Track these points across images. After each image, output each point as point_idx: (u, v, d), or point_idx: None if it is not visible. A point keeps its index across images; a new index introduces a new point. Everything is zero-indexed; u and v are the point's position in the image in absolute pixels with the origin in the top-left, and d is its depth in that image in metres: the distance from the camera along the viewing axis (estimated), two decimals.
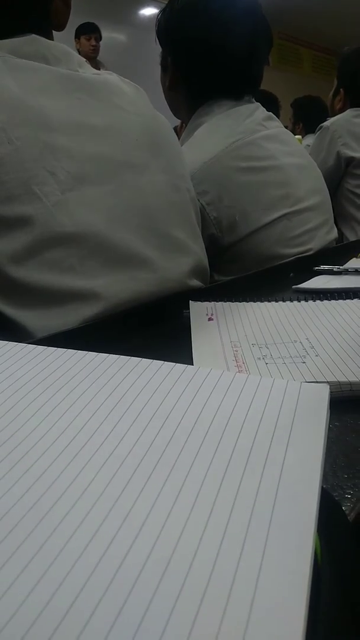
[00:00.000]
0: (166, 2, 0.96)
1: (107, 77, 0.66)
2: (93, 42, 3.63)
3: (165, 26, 0.95)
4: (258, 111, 0.97)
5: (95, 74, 0.65)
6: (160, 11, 0.96)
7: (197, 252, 0.69)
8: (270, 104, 1.04)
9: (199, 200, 0.82)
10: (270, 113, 1.00)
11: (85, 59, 0.66)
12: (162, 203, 0.64)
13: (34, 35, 0.59)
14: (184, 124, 1.07)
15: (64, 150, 0.55)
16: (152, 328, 0.54)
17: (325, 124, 1.59)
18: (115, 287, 0.56)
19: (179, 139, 0.80)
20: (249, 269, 0.81)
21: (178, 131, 1.75)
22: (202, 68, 0.93)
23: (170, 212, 0.65)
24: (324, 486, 0.22)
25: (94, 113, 0.60)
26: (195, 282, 0.67)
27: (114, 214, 0.58)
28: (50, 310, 0.53)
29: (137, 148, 0.63)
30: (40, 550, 0.17)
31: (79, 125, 0.58)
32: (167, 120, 0.74)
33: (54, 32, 0.67)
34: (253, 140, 0.91)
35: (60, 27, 0.68)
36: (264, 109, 0.99)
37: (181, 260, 0.65)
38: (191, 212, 0.71)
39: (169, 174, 0.67)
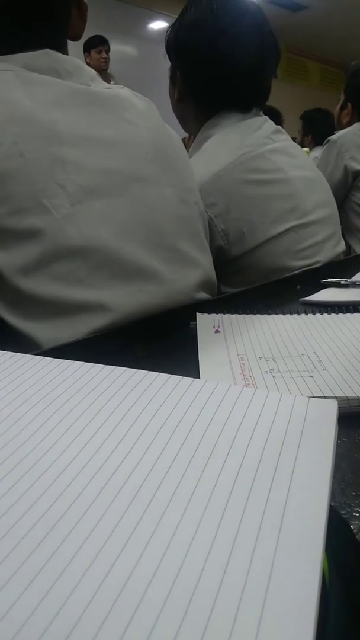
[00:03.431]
0: (175, 17, 0.97)
1: (118, 92, 0.66)
2: (104, 55, 3.67)
3: (174, 40, 0.96)
4: (266, 124, 0.97)
5: (107, 88, 0.65)
6: (170, 26, 0.97)
7: (205, 265, 0.69)
8: (274, 118, 1.04)
9: (207, 212, 0.82)
10: (279, 126, 1.00)
11: (96, 72, 0.67)
12: (170, 216, 0.64)
13: (47, 49, 0.60)
14: (192, 137, 1.08)
15: (74, 164, 0.55)
16: (158, 340, 0.53)
17: (333, 137, 1.59)
18: (122, 299, 0.56)
19: (186, 151, 0.81)
20: (256, 281, 0.81)
21: (186, 143, 1.76)
22: (210, 81, 0.94)
23: (178, 226, 0.66)
24: (332, 504, 0.21)
25: (104, 127, 0.61)
26: (203, 295, 0.67)
27: (122, 227, 0.58)
28: (57, 322, 0.53)
29: (146, 162, 0.64)
30: (44, 568, 0.17)
31: (90, 139, 0.58)
32: (176, 134, 0.74)
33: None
34: (261, 153, 0.92)
35: (76, 37, 0.69)
36: (272, 122, 0.99)
37: (189, 273, 0.65)
38: (199, 225, 0.71)
39: (177, 187, 0.67)
